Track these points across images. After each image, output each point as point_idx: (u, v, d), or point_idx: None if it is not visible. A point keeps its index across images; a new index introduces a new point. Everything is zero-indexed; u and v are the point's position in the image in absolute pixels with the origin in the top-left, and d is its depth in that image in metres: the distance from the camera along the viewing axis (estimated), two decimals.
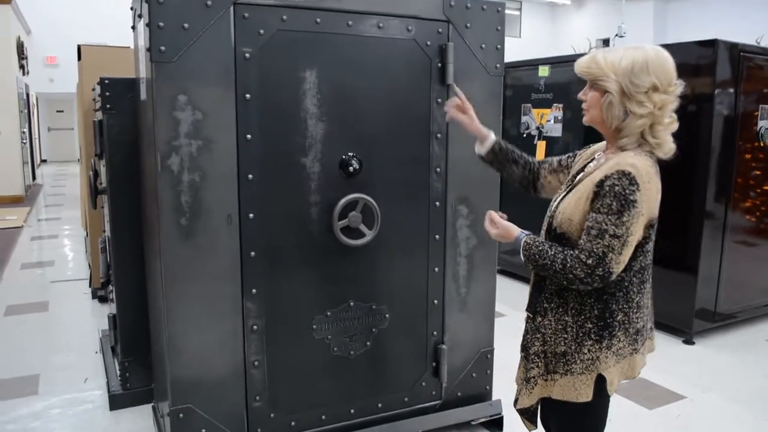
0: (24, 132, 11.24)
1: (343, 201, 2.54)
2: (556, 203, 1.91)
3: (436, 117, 2.74)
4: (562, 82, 5.10)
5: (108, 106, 3.10)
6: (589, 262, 1.69)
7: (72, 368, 3.76)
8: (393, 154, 2.69)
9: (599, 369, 1.81)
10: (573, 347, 1.82)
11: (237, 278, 2.45)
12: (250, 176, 2.41)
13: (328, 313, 2.65)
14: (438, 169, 2.78)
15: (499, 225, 1.96)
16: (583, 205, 1.75)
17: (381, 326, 2.77)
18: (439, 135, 2.76)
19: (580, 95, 1.84)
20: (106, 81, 3.08)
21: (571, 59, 5.16)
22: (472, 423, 3.07)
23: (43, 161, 17.99)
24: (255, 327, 2.51)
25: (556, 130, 5.15)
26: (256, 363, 2.53)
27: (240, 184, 2.40)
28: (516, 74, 5.48)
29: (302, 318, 2.61)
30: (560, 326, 1.84)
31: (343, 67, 2.53)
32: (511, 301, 4.74)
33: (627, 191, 1.66)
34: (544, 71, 5.18)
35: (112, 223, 3.23)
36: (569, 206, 1.80)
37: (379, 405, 2.83)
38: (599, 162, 1.83)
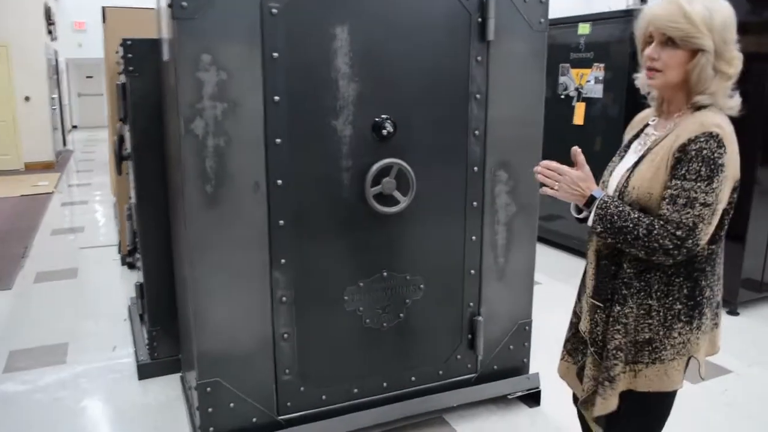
0: (54, 98, 11.23)
1: (376, 166, 2.39)
2: (622, 177, 1.68)
3: (475, 76, 2.56)
4: (604, 40, 4.83)
5: (131, 68, 2.97)
6: (679, 233, 1.50)
7: (100, 336, 3.72)
8: (429, 116, 2.52)
9: (691, 352, 1.64)
10: (661, 332, 1.63)
11: (265, 248, 2.33)
12: (278, 141, 2.27)
13: (361, 284, 2.53)
14: (476, 132, 2.61)
15: (567, 177, 1.67)
16: (663, 175, 1.56)
17: (415, 297, 2.64)
18: (478, 95, 2.58)
19: (651, 53, 1.58)
20: (129, 42, 2.95)
21: (614, 16, 4.90)
22: (509, 397, 2.95)
23: (74, 127, 18.09)
24: (284, 298, 2.40)
25: (596, 91, 4.91)
26: (285, 335, 2.43)
27: (267, 150, 2.27)
28: (552, 32, 5.19)
29: (333, 289, 2.49)
30: (643, 311, 1.64)
31: (377, 23, 2.36)
32: (548, 269, 4.58)
33: (716, 155, 1.48)
34: (584, 29, 4.91)
35: (137, 189, 3.14)
36: (645, 179, 1.59)
37: (413, 378, 2.72)
38: (669, 127, 1.63)
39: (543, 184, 1.73)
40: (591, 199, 1.64)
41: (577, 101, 5.04)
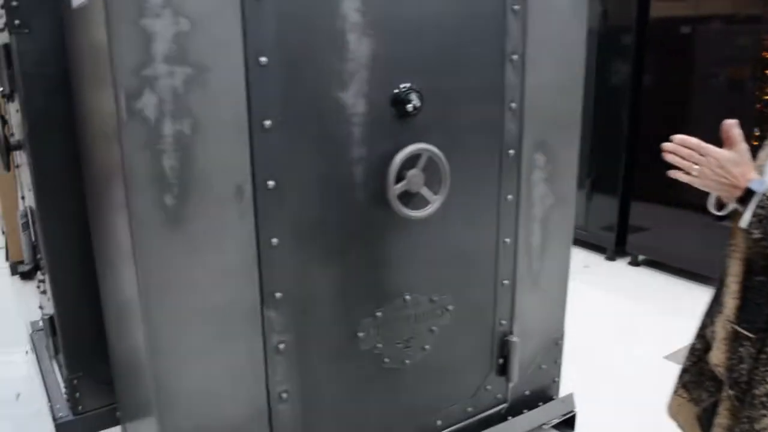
0: None
1: (401, 155, 1.71)
2: None
3: (512, 32, 1.92)
4: None
5: (17, 22, 2.08)
6: None
7: None
8: (457, 84, 1.86)
9: None
10: None
11: (253, 279, 1.61)
12: (267, 123, 1.54)
13: (378, 314, 1.86)
14: (513, 105, 1.98)
15: (712, 158, 1.24)
16: None
17: (442, 322, 2.01)
18: (515, 56, 1.94)
19: None
20: None
21: None
22: (544, 427, 2.40)
23: None
24: (281, 345, 1.69)
25: None
26: (283, 395, 1.73)
27: (253, 136, 1.53)
28: None
29: (344, 325, 1.81)
30: None
31: None
32: None
33: None
34: None
35: (37, 192, 2.27)
36: None
37: (438, 422, 2.11)
38: None
39: (674, 167, 1.30)
40: (747, 193, 1.24)
41: None
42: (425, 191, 1.78)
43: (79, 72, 1.90)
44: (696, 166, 1.27)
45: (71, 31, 1.92)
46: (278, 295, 1.65)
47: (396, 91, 1.71)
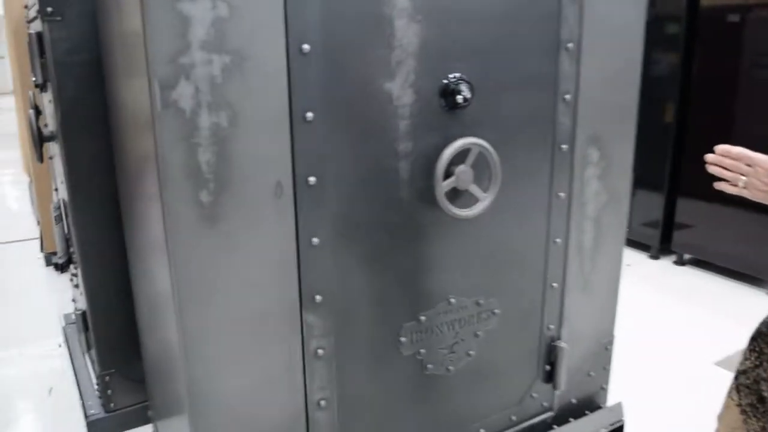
0: None
1: (450, 149, 1.59)
2: None
3: (567, 17, 1.78)
4: None
5: (50, 9, 2.02)
6: None
7: (29, 373, 2.80)
8: (509, 74, 1.73)
9: None
10: None
11: (293, 280, 1.51)
12: (309, 115, 1.44)
13: (422, 318, 1.75)
14: (566, 96, 1.85)
15: (761, 169, 1.18)
16: None
17: (488, 327, 1.89)
18: (570, 44, 1.81)
19: None
20: None
21: None
22: None
23: None
24: (320, 351, 1.59)
25: None
26: (322, 403, 1.63)
27: (294, 130, 1.43)
28: None
29: (386, 329, 1.71)
30: None
31: None
32: None
33: None
34: None
35: (70, 184, 2.21)
36: None
37: (481, 431, 1.99)
38: None
39: (720, 178, 1.29)
40: None
41: None
42: (474, 188, 1.66)
43: (112, 60, 1.82)
44: (743, 177, 1.21)
45: (104, 18, 1.84)
46: (318, 297, 1.56)
47: (445, 81, 1.59)
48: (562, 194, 1.93)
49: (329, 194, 1.51)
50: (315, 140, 1.46)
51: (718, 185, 1.28)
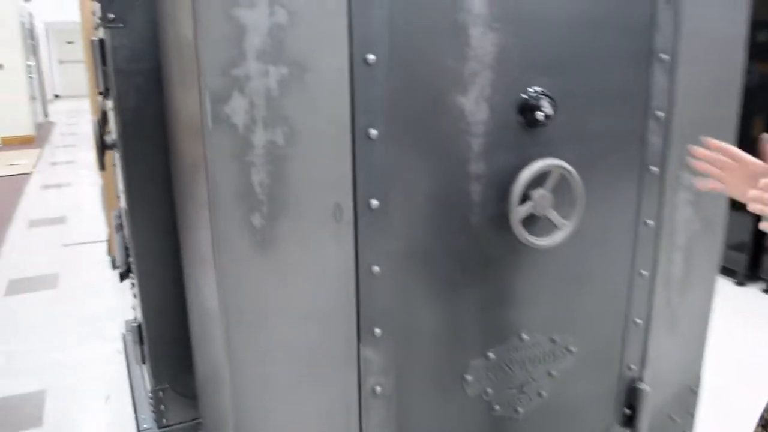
0: (30, 65, 10.05)
1: (528, 172, 1.42)
2: None
3: (660, 24, 1.58)
4: None
5: (111, 16, 1.95)
6: None
7: (88, 377, 2.77)
8: (593, 88, 1.55)
9: None
10: None
11: (350, 311, 1.37)
12: (373, 132, 1.30)
13: (490, 356, 1.58)
14: (659, 113, 1.64)
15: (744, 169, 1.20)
16: None
17: (562, 366, 1.70)
18: (664, 55, 1.60)
19: None
20: None
21: None
22: None
23: (56, 97, 16.80)
24: (378, 388, 1.45)
25: None
26: None
27: (356, 147, 1.29)
28: None
29: (451, 367, 1.54)
30: None
31: None
32: None
33: None
34: None
35: (128, 195, 2.14)
36: None
37: None
38: None
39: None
40: None
41: None
42: (553, 215, 1.48)
43: (169, 69, 1.73)
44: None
45: (162, 24, 1.75)
46: (377, 331, 1.41)
47: (524, 96, 1.42)
48: (650, 221, 1.72)
49: (393, 219, 1.36)
50: (378, 159, 1.31)
51: (701, 185, 1.28)
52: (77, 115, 13.01)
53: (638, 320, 1.80)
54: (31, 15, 11.35)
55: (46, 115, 12.21)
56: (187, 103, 1.37)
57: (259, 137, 1.22)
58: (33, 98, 9.91)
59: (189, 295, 2.00)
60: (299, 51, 1.20)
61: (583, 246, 1.62)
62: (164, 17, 1.68)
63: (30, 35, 10.79)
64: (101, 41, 2.03)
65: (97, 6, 2.08)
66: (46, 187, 6.60)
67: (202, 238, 1.39)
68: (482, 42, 1.35)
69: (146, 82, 2.03)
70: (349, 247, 1.33)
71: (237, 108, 1.19)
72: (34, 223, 5.22)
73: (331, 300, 1.36)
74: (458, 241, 1.46)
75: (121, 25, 1.98)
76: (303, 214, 1.28)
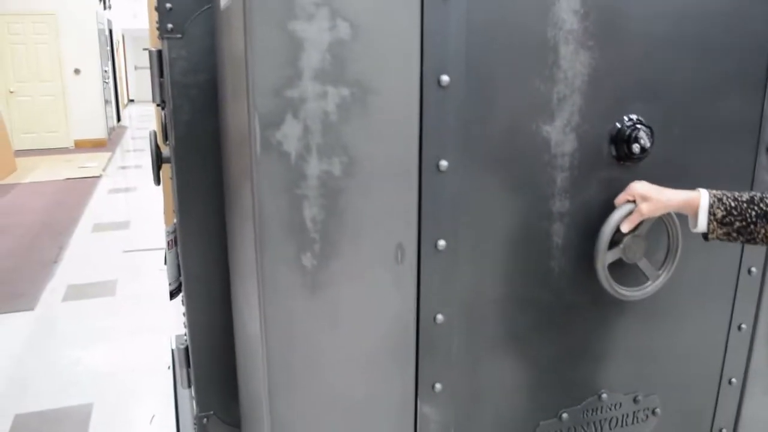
0: (106, 71, 10.32)
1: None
2: None
3: None
4: None
5: (170, 26, 1.83)
6: None
7: (136, 392, 2.68)
8: (694, 116, 1.32)
9: None
10: None
11: (409, 363, 1.19)
12: (444, 164, 1.11)
13: (564, 416, 1.36)
14: None
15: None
16: None
17: (646, 429, 1.47)
18: None
19: None
20: None
21: None
22: None
23: (131, 101, 17.31)
24: None
25: None
26: None
27: (423, 180, 1.11)
28: None
29: (519, 428, 1.34)
30: None
31: None
32: None
33: None
34: None
35: (179, 212, 2.02)
36: None
37: None
38: None
39: None
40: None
41: None
42: (644, 264, 1.26)
43: (223, 84, 1.59)
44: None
45: (219, 37, 1.62)
46: (438, 386, 1.22)
47: (618, 125, 1.21)
48: (754, 269, 1.47)
49: (462, 262, 1.17)
50: (448, 194, 1.13)
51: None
52: (149, 120, 13.33)
53: (734, 380, 1.55)
54: (109, 22, 11.69)
55: (119, 119, 12.55)
56: (237, 123, 1.22)
57: (314, 167, 1.05)
58: (107, 102, 10.16)
59: (236, 325, 1.86)
60: (363, 70, 1.03)
61: (676, 296, 1.39)
62: (220, 29, 1.54)
63: (108, 42, 11.10)
64: (159, 52, 1.93)
65: (156, 16, 1.97)
66: (114, 191, 6.68)
67: (248, 274, 1.23)
68: (573, 62, 1.15)
69: (202, 95, 1.91)
70: (410, 293, 1.15)
71: (290, 133, 1.02)
72: (98, 228, 5.25)
73: (387, 350, 1.17)
74: (534, 289, 1.25)
75: (179, 35, 1.86)
76: (360, 254, 1.10)
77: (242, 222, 1.29)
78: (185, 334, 2.40)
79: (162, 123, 2.48)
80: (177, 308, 3.40)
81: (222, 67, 1.57)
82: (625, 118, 1.22)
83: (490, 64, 1.11)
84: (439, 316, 1.18)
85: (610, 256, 1.23)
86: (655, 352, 1.43)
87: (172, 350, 2.91)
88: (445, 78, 1.07)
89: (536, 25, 1.11)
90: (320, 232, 1.08)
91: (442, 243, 1.14)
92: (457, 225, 1.15)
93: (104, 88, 9.84)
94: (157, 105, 2.24)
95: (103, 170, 7.61)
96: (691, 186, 1.29)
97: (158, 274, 4.14)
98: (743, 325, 1.51)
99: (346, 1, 1.00)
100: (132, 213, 5.72)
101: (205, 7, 1.79)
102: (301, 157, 1.04)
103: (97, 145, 9.31)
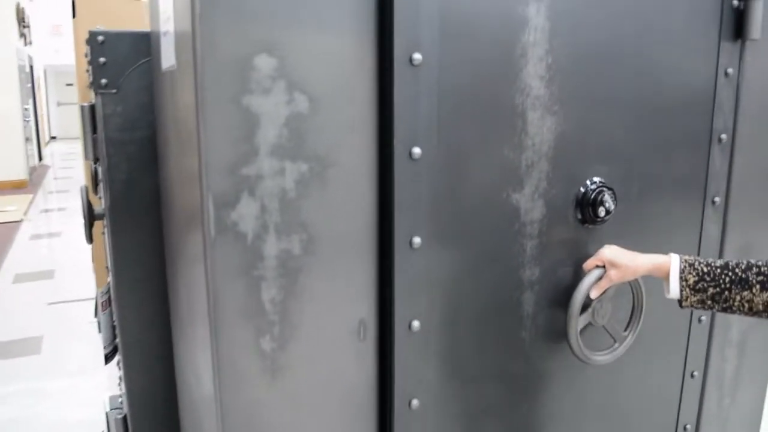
0: (26, 108, 9.77)
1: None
2: None
3: (721, 103, 1.35)
4: None
5: (104, 81, 1.69)
6: None
7: None
8: (648, 173, 1.30)
9: None
10: None
11: None
12: (417, 241, 1.03)
13: None
14: (716, 199, 1.40)
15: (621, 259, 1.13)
16: None
17: None
18: (723, 136, 1.37)
19: None
20: (100, 38, 1.66)
21: None
22: None
23: (53, 138, 16.48)
24: None
25: None
26: None
27: (396, 260, 1.02)
28: None
29: None
30: None
31: (589, 8, 1.14)
32: None
33: None
34: None
35: (115, 273, 1.85)
36: None
37: None
38: None
39: None
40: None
41: None
42: (611, 326, 1.22)
43: (165, 145, 1.47)
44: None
45: (159, 97, 1.50)
46: None
47: (582, 189, 1.17)
48: (703, 317, 1.47)
49: (432, 338, 1.09)
50: (419, 271, 1.05)
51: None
52: (72, 159, 12.69)
53: (688, 426, 1.53)
54: (30, 58, 11.12)
55: (41, 157, 11.88)
56: (187, 201, 1.10)
57: (272, 246, 0.95)
58: (28, 140, 9.60)
59: (182, 399, 1.71)
60: (322, 144, 0.95)
61: (636, 350, 1.36)
62: (161, 90, 1.42)
63: (29, 78, 10.54)
64: (91, 107, 1.78)
65: (88, 64, 1.83)
66: (36, 236, 6.24)
67: (200, 359, 1.11)
68: (541, 128, 1.11)
69: (139, 152, 1.78)
70: (370, 373, 1.06)
71: (246, 213, 0.93)
72: (20, 278, 4.86)
73: None
74: (505, 361, 1.19)
75: (113, 90, 1.73)
76: (321, 334, 1.01)
77: (192, 302, 1.16)
78: (121, 401, 2.20)
79: (92, 177, 2.30)
80: (110, 368, 3.15)
81: (163, 127, 1.45)
82: (588, 181, 1.18)
83: (461, 132, 1.05)
84: (415, 401, 1.09)
85: (582, 321, 1.18)
86: (618, 406, 1.39)
87: (106, 414, 2.68)
88: (416, 150, 1.00)
89: (505, 92, 1.07)
90: (280, 314, 0.98)
91: (416, 324, 1.06)
92: (427, 300, 1.07)
93: (25, 126, 9.30)
94: (90, 160, 2.07)
95: (24, 214, 7.12)
96: (646, 239, 1.27)
97: (88, 327, 3.85)
98: (695, 372, 1.50)
99: (303, 73, 0.92)
100: (57, 260, 5.34)
101: (141, 62, 1.67)
102: (259, 237, 0.94)
103: (17, 187, 8.74)
